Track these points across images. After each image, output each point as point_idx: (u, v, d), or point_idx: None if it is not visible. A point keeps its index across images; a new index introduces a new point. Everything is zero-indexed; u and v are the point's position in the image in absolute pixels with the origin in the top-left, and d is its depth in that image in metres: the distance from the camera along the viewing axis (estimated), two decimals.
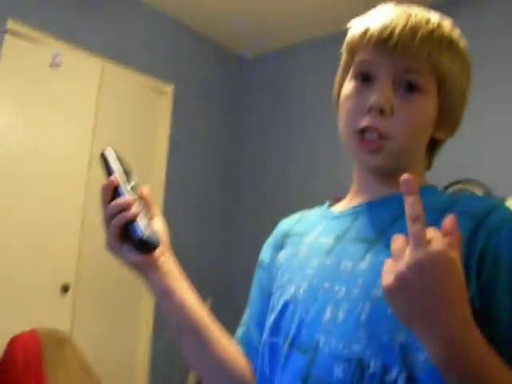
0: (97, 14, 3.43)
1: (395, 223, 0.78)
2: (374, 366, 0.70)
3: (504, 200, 2.83)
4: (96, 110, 3.37)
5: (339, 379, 0.71)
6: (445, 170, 3.09)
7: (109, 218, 0.80)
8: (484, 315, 0.68)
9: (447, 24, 0.81)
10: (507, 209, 0.74)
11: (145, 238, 0.79)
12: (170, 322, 0.87)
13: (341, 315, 0.75)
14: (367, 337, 0.71)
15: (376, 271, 0.72)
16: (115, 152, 0.86)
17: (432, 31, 0.78)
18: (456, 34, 0.82)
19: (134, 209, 0.80)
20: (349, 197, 0.91)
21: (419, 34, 0.77)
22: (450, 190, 3.04)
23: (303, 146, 3.90)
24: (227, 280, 4.02)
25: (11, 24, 2.98)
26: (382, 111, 0.78)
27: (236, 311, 1.02)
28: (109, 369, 3.12)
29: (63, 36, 3.21)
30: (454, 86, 0.82)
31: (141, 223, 0.80)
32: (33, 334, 2.50)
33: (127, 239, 0.81)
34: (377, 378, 0.69)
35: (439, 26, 0.80)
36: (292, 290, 0.83)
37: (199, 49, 4.14)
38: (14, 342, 2.42)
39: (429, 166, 0.91)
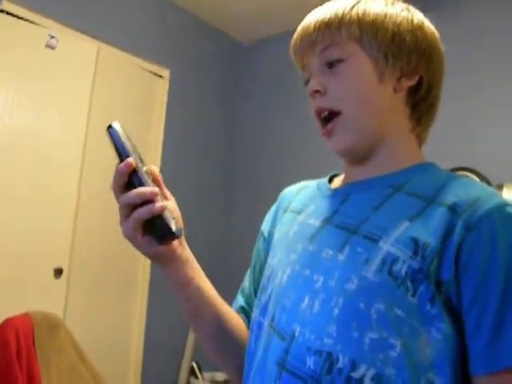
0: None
1: (378, 210, 0.79)
2: (342, 361, 0.71)
3: (501, 187, 2.82)
4: (91, 92, 3.33)
5: (310, 370, 0.73)
6: (440, 158, 3.10)
7: (129, 206, 0.77)
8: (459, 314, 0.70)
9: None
10: (494, 201, 0.72)
11: (173, 231, 0.77)
12: (185, 308, 0.90)
13: (316, 306, 0.76)
14: (338, 331, 0.72)
15: (351, 265, 0.75)
16: (122, 127, 0.80)
17: (336, 12, 0.84)
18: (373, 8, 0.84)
19: (160, 199, 0.78)
20: (348, 173, 0.92)
21: (325, 18, 0.84)
22: None
23: (300, 133, 3.88)
24: (227, 267, 4.02)
25: (6, 5, 2.93)
26: (316, 92, 0.84)
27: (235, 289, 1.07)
28: (102, 352, 3.12)
29: (59, 17, 3.17)
30: (373, 39, 0.82)
31: (168, 215, 0.77)
32: (25, 318, 2.48)
33: (148, 229, 0.78)
34: (344, 374, 0.70)
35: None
36: (279, 273, 0.85)
37: (197, 34, 4.10)
38: (6, 326, 2.40)
39: (420, 139, 0.89)
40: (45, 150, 3.08)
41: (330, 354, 0.72)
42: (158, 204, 0.76)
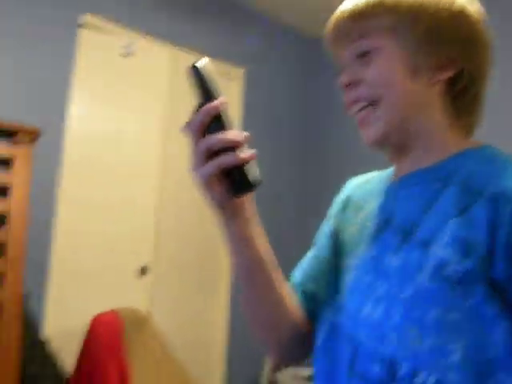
0: (165, 2, 3.49)
1: (428, 210, 0.77)
2: (404, 368, 0.71)
3: None
4: (169, 95, 3.45)
5: (376, 377, 0.74)
6: None
7: (210, 150, 0.70)
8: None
9: None
10: None
11: (256, 181, 0.71)
12: (241, 268, 0.83)
13: (379, 313, 0.76)
14: (399, 339, 0.73)
15: (407, 272, 0.74)
16: (209, 65, 0.73)
17: (367, 1, 0.81)
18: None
19: (246, 147, 0.72)
20: (395, 165, 0.90)
21: (357, 8, 0.81)
22: None
23: None
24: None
25: (86, 17, 3.10)
26: (349, 85, 0.82)
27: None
28: (186, 351, 3.22)
29: (135, 26, 3.30)
30: (412, 26, 0.79)
31: (254, 165, 0.71)
32: (114, 314, 2.60)
33: (226, 178, 0.72)
34: (406, 381, 0.71)
35: None
36: (345, 278, 0.85)
37: (269, 31, 4.13)
38: (96, 322, 2.54)
39: (466, 130, 0.85)
40: (127, 153, 3.23)
41: (392, 362, 0.73)
42: (244, 153, 0.70)
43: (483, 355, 0.68)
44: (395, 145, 0.83)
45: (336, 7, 3.90)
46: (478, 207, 0.71)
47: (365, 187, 0.96)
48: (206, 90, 0.71)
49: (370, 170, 3.74)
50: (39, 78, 2.94)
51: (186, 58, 3.57)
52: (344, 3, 0.85)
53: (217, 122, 0.71)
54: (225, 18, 3.86)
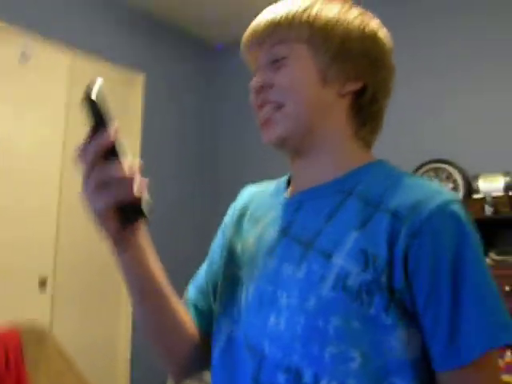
0: (62, 6, 3.39)
1: (330, 220, 0.80)
2: (307, 376, 0.74)
3: (477, 178, 2.87)
4: (67, 102, 3.34)
5: None
6: (414, 151, 3.17)
7: (106, 181, 0.69)
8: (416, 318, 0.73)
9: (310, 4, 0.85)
10: (436, 202, 0.74)
11: (151, 210, 0.71)
12: (134, 288, 0.84)
13: (282, 324, 0.77)
14: (302, 348, 0.75)
15: (309, 283, 0.77)
16: (102, 89, 0.71)
17: (287, 12, 0.84)
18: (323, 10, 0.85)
19: (139, 178, 0.71)
20: (295, 176, 0.92)
21: (276, 18, 0.84)
22: (422, 170, 3.09)
23: None
24: None
25: None
26: (261, 88, 0.85)
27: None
28: (90, 362, 3.12)
29: (31, 29, 3.17)
30: (321, 43, 0.83)
31: (146, 193, 0.70)
32: (13, 330, 2.48)
33: (119, 208, 0.70)
34: None
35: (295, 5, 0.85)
36: (245, 288, 0.86)
37: (170, 38, 4.12)
38: None
39: (366, 143, 0.89)
40: (24, 162, 3.10)
41: (297, 371, 0.75)
42: (140, 182, 0.70)
43: (380, 362, 0.72)
44: (297, 146, 0.86)
45: (234, 15, 3.98)
46: (377, 220, 0.75)
47: (261, 198, 0.97)
48: (98, 118, 0.69)
49: (266, 178, 3.81)
50: None
51: (84, 63, 3.47)
52: (264, 12, 0.88)
53: (110, 152, 0.69)
54: (124, 23, 3.80)
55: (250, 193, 1.02)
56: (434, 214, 0.73)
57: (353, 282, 0.73)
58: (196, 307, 0.96)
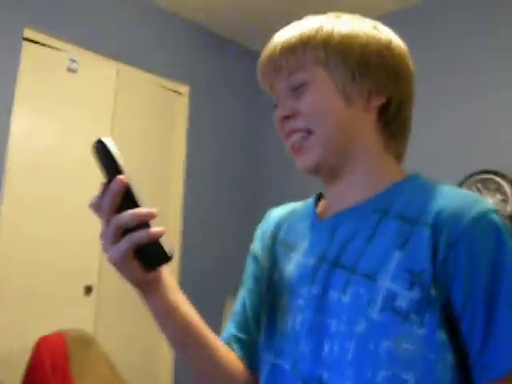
0: (110, 19, 3.47)
1: (369, 243, 0.79)
2: None
3: None
4: (113, 113, 3.42)
5: None
6: (463, 161, 3.10)
7: (120, 229, 0.70)
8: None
9: (329, 27, 0.84)
10: (472, 213, 0.73)
11: (170, 255, 0.70)
12: (173, 338, 0.83)
13: (336, 351, 0.77)
14: (354, 374, 0.74)
15: (356, 307, 0.76)
16: (113, 144, 0.73)
17: (300, 35, 0.83)
18: (339, 30, 0.83)
19: (155, 222, 0.70)
20: (329, 199, 0.91)
21: (289, 42, 0.84)
22: (470, 181, 3.01)
23: None
24: None
25: (28, 32, 3.03)
26: (286, 117, 0.84)
27: None
28: (133, 368, 3.16)
29: (78, 41, 3.26)
30: (339, 62, 0.82)
31: (163, 238, 0.70)
32: (59, 336, 2.54)
33: (139, 254, 0.71)
34: None
35: (312, 29, 0.84)
36: (290, 318, 0.84)
37: (213, 47, 4.16)
38: (40, 345, 2.46)
39: (397, 156, 0.88)
40: (70, 171, 3.17)
41: None
42: (157, 228, 0.69)
43: (436, 381, 0.71)
44: (330, 171, 0.85)
45: (281, 23, 3.98)
46: (418, 236, 0.75)
47: (290, 222, 0.96)
48: (112, 166, 0.71)
49: (307, 189, 3.80)
50: None
51: (131, 75, 3.55)
52: (276, 36, 0.87)
53: (126, 199, 0.70)
54: (170, 34, 3.86)
55: (276, 216, 1.00)
56: (472, 224, 0.72)
57: (401, 302, 0.73)
58: (240, 342, 0.93)
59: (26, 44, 3.03)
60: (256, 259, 0.97)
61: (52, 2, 3.17)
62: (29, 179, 2.99)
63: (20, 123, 2.99)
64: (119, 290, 3.33)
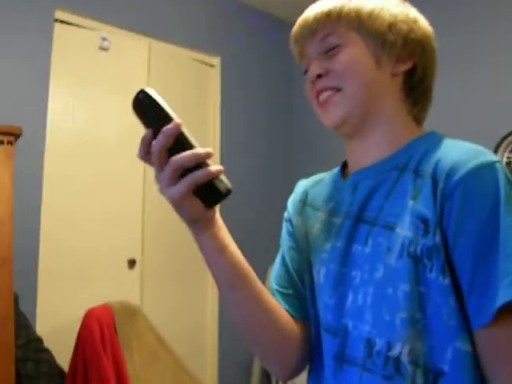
0: None
1: (389, 197, 0.84)
2: (379, 343, 0.78)
3: None
4: (148, 86, 3.44)
5: (361, 357, 0.80)
6: (508, 116, 3.01)
7: (180, 169, 0.72)
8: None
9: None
10: (469, 165, 0.75)
11: (231, 189, 0.73)
12: (222, 278, 0.85)
13: (360, 300, 0.82)
14: (373, 318, 0.79)
15: (376, 255, 0.81)
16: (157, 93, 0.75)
17: (335, 4, 0.89)
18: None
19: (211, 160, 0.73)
20: (351, 159, 0.96)
21: (324, 10, 0.89)
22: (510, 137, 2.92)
23: None
24: None
25: (59, 14, 3.07)
26: (318, 76, 0.89)
27: None
28: (179, 341, 3.22)
29: (108, 19, 3.29)
30: (371, 26, 0.88)
31: (223, 176, 0.73)
32: (106, 307, 2.63)
33: (198, 192, 0.74)
34: (382, 355, 0.78)
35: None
36: (315, 273, 0.90)
37: (243, 17, 4.13)
38: (89, 316, 2.55)
39: (417, 120, 0.94)
40: (107, 144, 3.24)
41: (368, 340, 0.79)
42: (215, 166, 0.73)
43: (443, 325, 0.75)
44: (355, 127, 0.90)
45: None
46: (425, 188, 0.79)
47: (318, 188, 1.01)
48: (161, 114, 0.73)
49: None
50: (16, 74, 2.92)
51: (162, 50, 3.56)
52: (311, 7, 0.92)
53: (181, 142, 0.72)
54: (198, 6, 3.85)
55: (304, 185, 1.05)
56: (466, 177, 0.75)
57: (415, 248, 0.77)
58: (283, 295, 0.95)
59: (57, 25, 3.08)
60: (290, 221, 1.02)
61: None
62: (67, 158, 3.07)
63: (56, 104, 3.05)
64: (162, 262, 3.41)
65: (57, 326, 2.90)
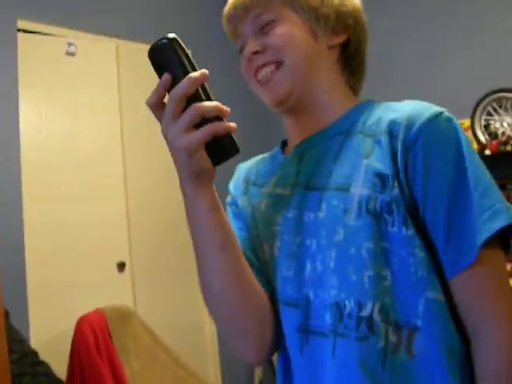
0: None
1: (337, 160, 0.83)
2: (349, 305, 0.76)
3: None
4: (118, 89, 3.41)
5: (328, 325, 0.78)
6: (481, 80, 2.98)
7: (200, 117, 0.71)
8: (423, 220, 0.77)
9: None
10: (425, 115, 0.77)
11: (239, 149, 0.73)
12: (213, 240, 0.80)
13: (319, 267, 0.80)
14: (338, 281, 0.77)
15: (333, 218, 0.80)
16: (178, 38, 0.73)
17: None
18: None
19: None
20: (292, 135, 0.96)
21: None
22: (486, 101, 2.91)
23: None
24: None
25: (21, 23, 3.03)
26: (255, 53, 0.88)
27: None
28: (178, 342, 3.18)
29: (72, 24, 3.25)
30: (304, 1, 0.88)
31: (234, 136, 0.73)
32: (98, 313, 2.60)
33: (209, 146, 0.72)
34: (354, 316, 0.76)
35: None
36: (266, 248, 0.88)
37: (212, 11, 4.09)
38: (82, 322, 2.53)
39: (354, 90, 0.96)
40: (84, 150, 3.20)
41: (337, 304, 0.77)
42: (233, 124, 0.72)
43: (411, 277, 0.75)
44: (296, 102, 0.89)
45: None
46: (379, 144, 0.79)
47: (259, 166, 1.00)
48: (185, 61, 0.71)
49: None
50: None
51: (130, 49, 3.52)
52: None
53: (203, 93, 0.71)
54: (162, 3, 3.81)
55: (245, 167, 1.04)
56: (425, 125, 0.76)
57: (374, 204, 0.77)
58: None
59: (20, 35, 3.03)
60: (235, 204, 0.99)
61: None
62: (45, 168, 3.03)
63: (28, 114, 3.02)
64: (152, 262, 3.39)
65: (51, 337, 2.87)
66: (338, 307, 0.77)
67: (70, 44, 3.19)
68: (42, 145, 3.05)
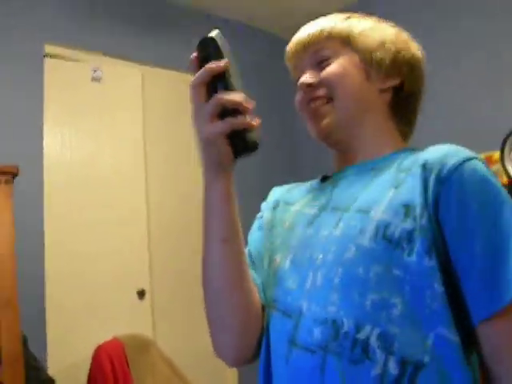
0: (128, 24, 3.47)
1: (366, 188, 0.84)
2: (347, 324, 0.74)
3: None
4: (143, 115, 3.42)
5: (317, 340, 0.76)
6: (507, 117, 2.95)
7: (223, 107, 0.72)
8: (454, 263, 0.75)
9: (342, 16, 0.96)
10: (461, 155, 0.77)
11: (259, 145, 0.74)
12: (220, 230, 0.82)
13: (319, 280, 0.79)
14: (340, 298, 0.76)
15: (347, 237, 0.79)
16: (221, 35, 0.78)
17: (329, 21, 0.95)
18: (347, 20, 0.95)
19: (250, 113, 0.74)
20: (336, 166, 0.98)
21: (314, 28, 0.94)
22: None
23: None
24: None
25: (48, 48, 3.06)
26: (309, 85, 0.91)
27: None
28: (197, 369, 3.13)
29: (99, 50, 3.27)
30: (361, 42, 0.91)
31: (257, 130, 0.75)
32: (116, 342, 2.57)
33: (229, 138, 0.74)
34: (350, 336, 0.73)
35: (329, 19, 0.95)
36: (278, 258, 0.89)
37: (243, 37, 4.10)
38: (99, 352, 2.50)
39: (405, 135, 0.96)
40: (107, 175, 3.20)
41: (334, 321, 0.75)
42: (256, 119, 0.74)
43: (424, 310, 0.72)
44: (341, 138, 0.92)
45: (302, 9, 3.90)
46: (410, 177, 0.79)
47: (294, 190, 1.03)
48: (216, 54, 0.75)
49: None
50: (11, 114, 2.90)
51: (155, 76, 3.54)
52: (305, 25, 0.97)
53: (228, 82, 0.73)
54: (186, 28, 3.83)
55: (280, 189, 1.06)
56: (460, 164, 0.76)
57: (393, 231, 0.75)
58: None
59: (47, 60, 3.06)
60: (261, 217, 1.03)
61: (67, 15, 3.19)
62: (67, 193, 3.03)
63: (51, 139, 3.03)
64: (172, 291, 3.34)
65: (69, 364, 2.83)
66: (335, 325, 0.75)
67: (95, 70, 3.21)
68: (64, 169, 3.06)
